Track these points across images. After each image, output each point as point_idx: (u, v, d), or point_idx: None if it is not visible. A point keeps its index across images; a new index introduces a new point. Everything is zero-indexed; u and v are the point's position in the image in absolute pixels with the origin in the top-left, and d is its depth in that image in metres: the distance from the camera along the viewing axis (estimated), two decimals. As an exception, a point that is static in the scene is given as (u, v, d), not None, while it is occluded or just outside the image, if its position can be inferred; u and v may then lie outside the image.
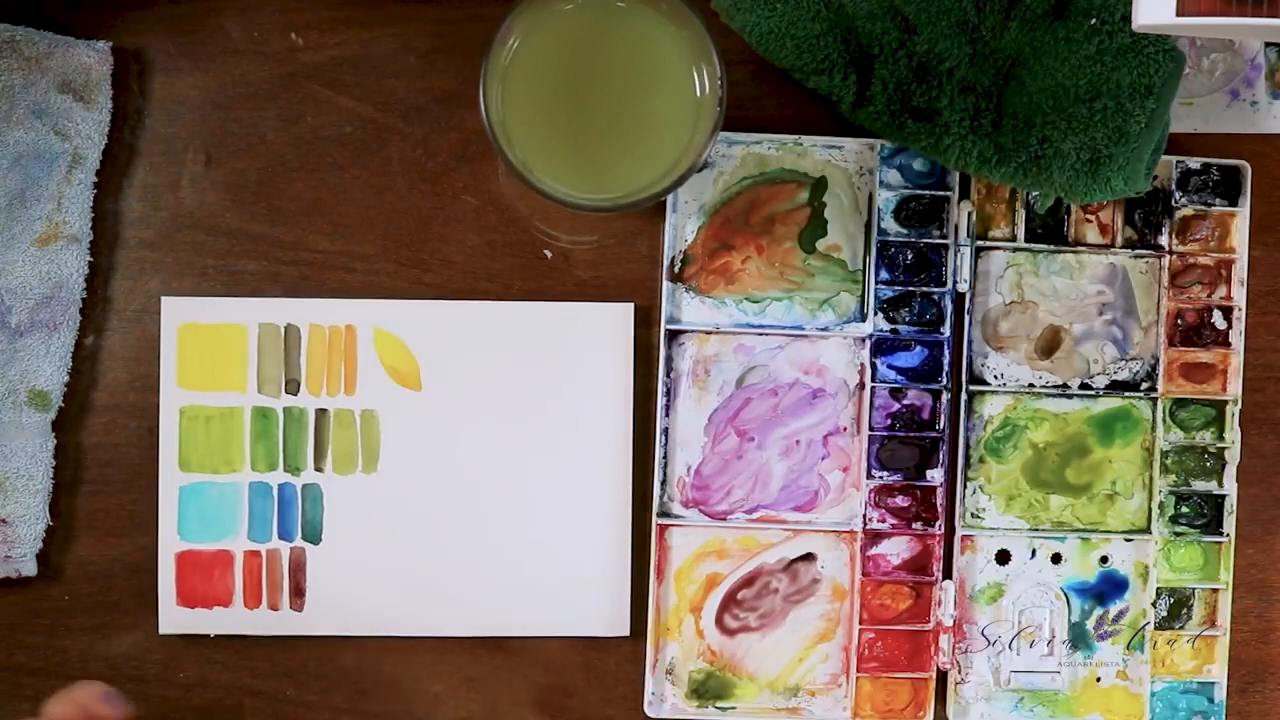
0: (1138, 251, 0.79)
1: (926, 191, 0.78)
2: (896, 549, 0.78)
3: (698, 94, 0.69)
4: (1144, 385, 0.79)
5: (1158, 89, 0.72)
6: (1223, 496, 0.79)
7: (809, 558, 0.78)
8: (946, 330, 0.78)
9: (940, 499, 0.78)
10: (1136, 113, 0.72)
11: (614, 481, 0.77)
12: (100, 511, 0.77)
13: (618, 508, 0.77)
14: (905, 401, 0.78)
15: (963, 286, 0.78)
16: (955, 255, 0.78)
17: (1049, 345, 0.79)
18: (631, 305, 0.77)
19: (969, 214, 0.77)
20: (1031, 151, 0.73)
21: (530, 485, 0.77)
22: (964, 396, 0.78)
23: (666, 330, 0.77)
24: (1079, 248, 0.78)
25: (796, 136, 0.77)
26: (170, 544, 0.76)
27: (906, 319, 0.78)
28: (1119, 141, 0.72)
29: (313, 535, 0.77)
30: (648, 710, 0.78)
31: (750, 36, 0.75)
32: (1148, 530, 0.79)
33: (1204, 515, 0.79)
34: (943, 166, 0.77)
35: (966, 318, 0.78)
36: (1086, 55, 0.72)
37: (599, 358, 0.77)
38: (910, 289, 0.78)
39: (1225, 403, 0.79)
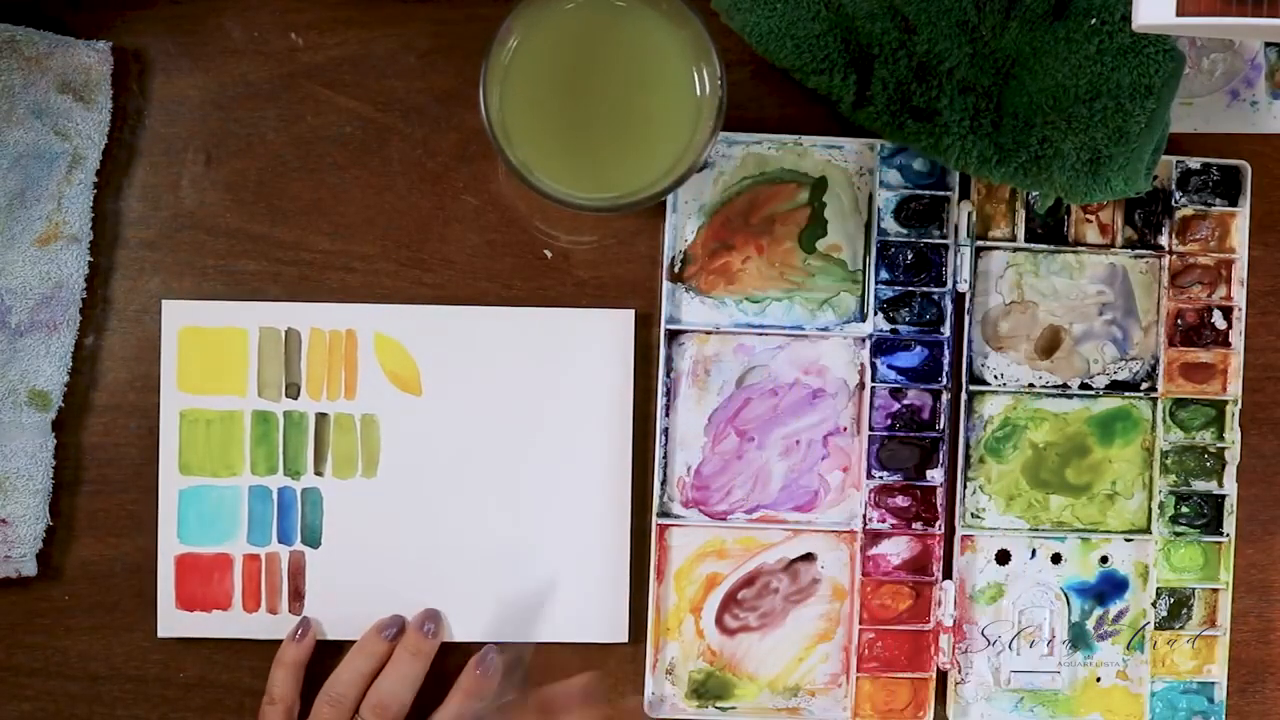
0: (1138, 251, 0.79)
1: (926, 191, 0.78)
2: (896, 549, 0.78)
3: (698, 94, 0.69)
4: (1144, 385, 0.79)
5: (1158, 89, 0.72)
6: (1223, 496, 0.79)
7: (809, 558, 0.78)
8: (946, 330, 0.78)
9: (940, 499, 0.78)
10: (1136, 113, 0.72)
11: (613, 486, 0.77)
12: (100, 511, 0.77)
13: (617, 513, 0.77)
14: (905, 401, 0.78)
15: (963, 286, 0.77)
16: (955, 255, 0.78)
17: (1049, 345, 0.79)
18: (632, 312, 0.77)
19: (969, 214, 0.77)
20: (1032, 151, 0.73)
21: (530, 490, 0.77)
22: (964, 396, 0.78)
23: (666, 330, 0.77)
24: (1079, 248, 0.78)
25: (796, 136, 0.77)
26: (170, 547, 0.76)
27: (906, 319, 0.78)
28: (1119, 141, 0.72)
29: (312, 539, 0.77)
30: (648, 710, 0.78)
31: (750, 36, 0.75)
32: (1148, 530, 0.79)
33: (1204, 515, 0.79)
34: (943, 166, 0.77)
35: (966, 318, 0.78)
36: (1086, 55, 0.72)
37: (599, 364, 0.77)
38: (910, 289, 0.78)
39: (1225, 403, 0.79)
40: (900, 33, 0.74)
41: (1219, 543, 0.79)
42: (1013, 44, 0.74)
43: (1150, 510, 0.79)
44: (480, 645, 0.77)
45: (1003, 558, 0.79)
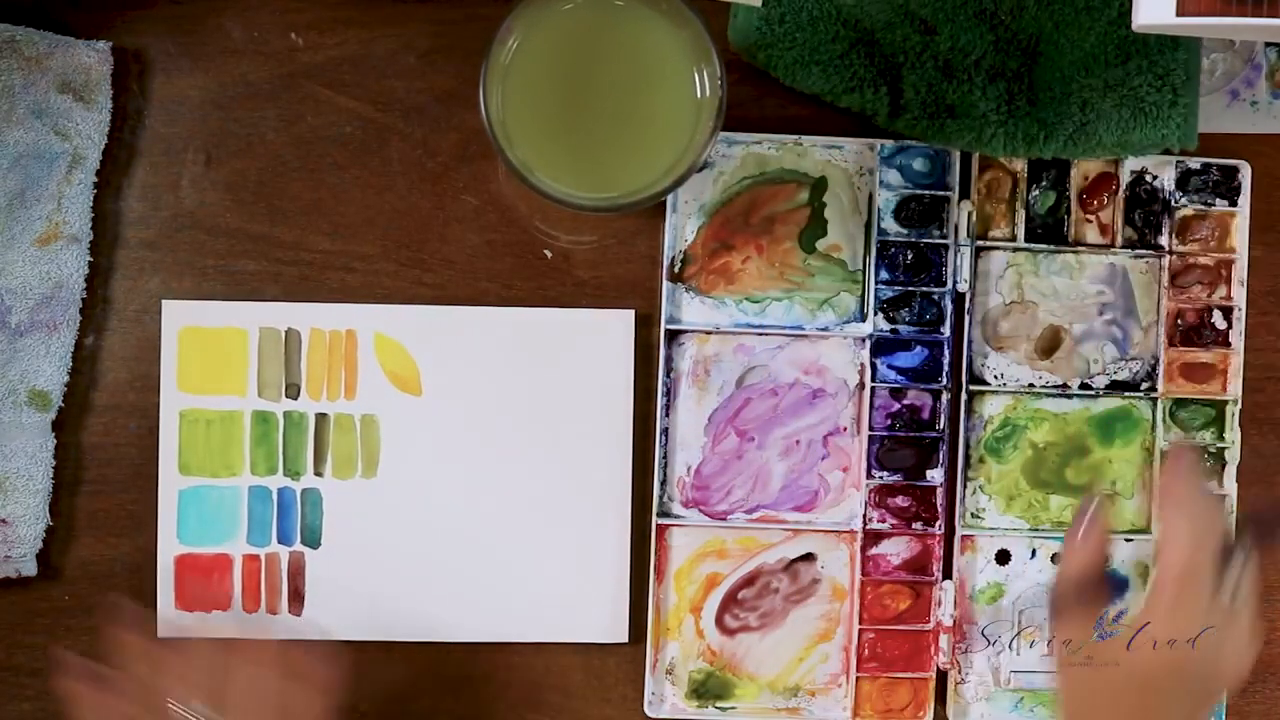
0: (1138, 251, 0.79)
1: (926, 191, 0.78)
2: (896, 549, 0.78)
3: (698, 94, 0.69)
4: (1144, 385, 0.79)
5: (1184, 40, 0.72)
6: (1223, 496, 0.79)
7: (809, 558, 0.78)
8: (946, 330, 0.78)
9: (940, 499, 0.78)
10: (1172, 65, 0.72)
11: (613, 487, 0.77)
12: (100, 511, 0.77)
13: (617, 514, 0.77)
14: (905, 401, 0.78)
15: (963, 286, 0.77)
16: (955, 255, 0.78)
17: (1049, 345, 0.79)
18: (632, 312, 0.77)
19: (969, 214, 0.77)
20: (1075, 120, 0.73)
21: (529, 490, 0.77)
22: (964, 396, 0.78)
23: (666, 330, 0.77)
24: (1079, 248, 0.78)
25: (796, 136, 0.77)
26: (169, 547, 0.76)
27: (906, 319, 0.78)
28: (1160, 89, 0.72)
29: (312, 539, 0.77)
30: (648, 710, 0.78)
31: (776, 70, 0.75)
32: (1148, 530, 0.79)
33: (1204, 515, 0.79)
34: (943, 166, 0.77)
35: (966, 318, 0.78)
36: (1109, 20, 0.72)
37: (599, 364, 0.77)
38: (910, 289, 0.78)
39: (1225, 403, 0.79)
40: (921, 35, 0.74)
41: (1219, 543, 0.79)
42: (1033, 22, 0.74)
43: (1150, 510, 0.79)
44: (480, 645, 0.77)
45: (1003, 558, 0.79)
